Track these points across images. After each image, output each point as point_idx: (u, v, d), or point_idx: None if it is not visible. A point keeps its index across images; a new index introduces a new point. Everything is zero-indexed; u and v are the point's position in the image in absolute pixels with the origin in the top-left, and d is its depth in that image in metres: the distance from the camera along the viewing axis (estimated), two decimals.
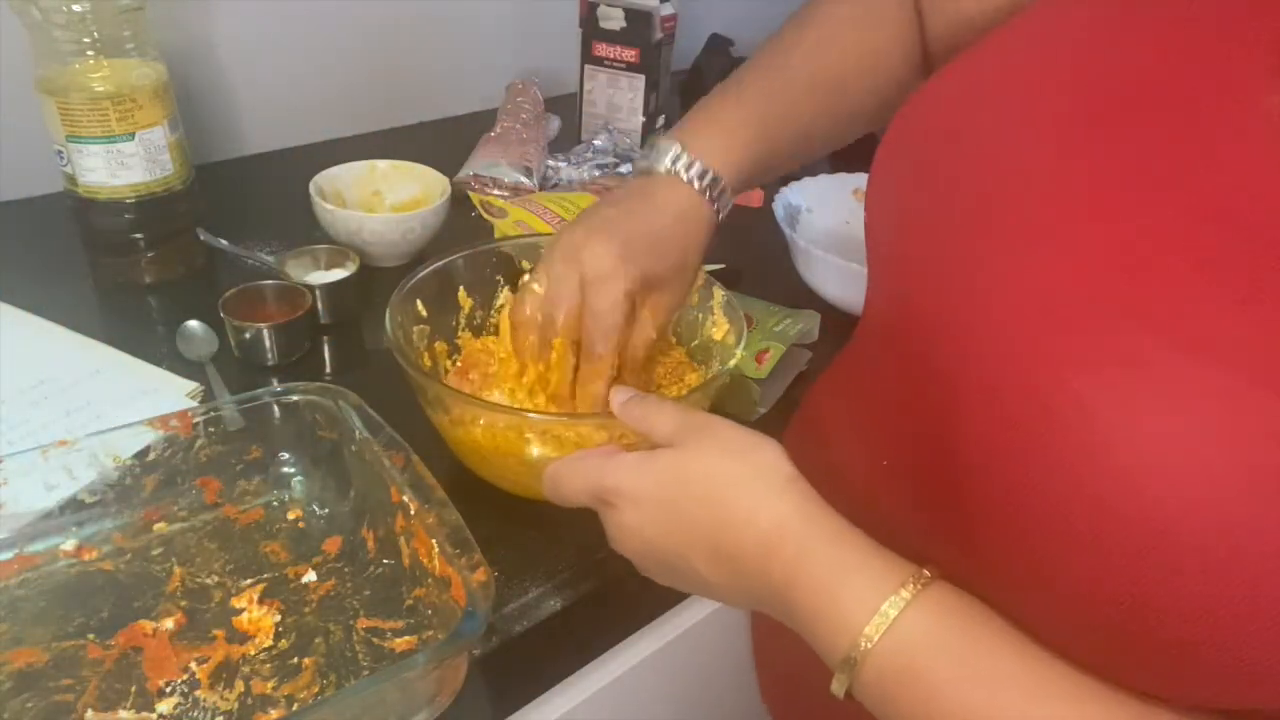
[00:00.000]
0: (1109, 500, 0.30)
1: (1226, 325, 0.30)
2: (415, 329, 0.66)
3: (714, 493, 0.43)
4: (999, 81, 0.42)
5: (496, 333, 0.69)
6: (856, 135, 0.67)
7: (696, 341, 0.69)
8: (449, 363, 0.69)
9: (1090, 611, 0.33)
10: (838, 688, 0.39)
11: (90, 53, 0.72)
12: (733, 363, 0.58)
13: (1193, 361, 0.30)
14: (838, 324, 0.84)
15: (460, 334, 0.70)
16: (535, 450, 0.56)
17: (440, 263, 0.67)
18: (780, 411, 0.74)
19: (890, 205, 0.47)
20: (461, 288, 0.69)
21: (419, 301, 0.65)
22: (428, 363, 0.67)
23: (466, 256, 0.69)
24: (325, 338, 0.78)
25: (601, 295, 0.53)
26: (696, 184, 0.56)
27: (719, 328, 0.67)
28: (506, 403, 0.61)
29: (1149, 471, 0.30)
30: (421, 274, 0.66)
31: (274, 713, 0.47)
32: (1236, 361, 0.29)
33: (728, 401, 0.72)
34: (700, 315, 0.68)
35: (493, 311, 0.72)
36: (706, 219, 0.57)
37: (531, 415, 0.56)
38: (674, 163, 0.57)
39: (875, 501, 0.46)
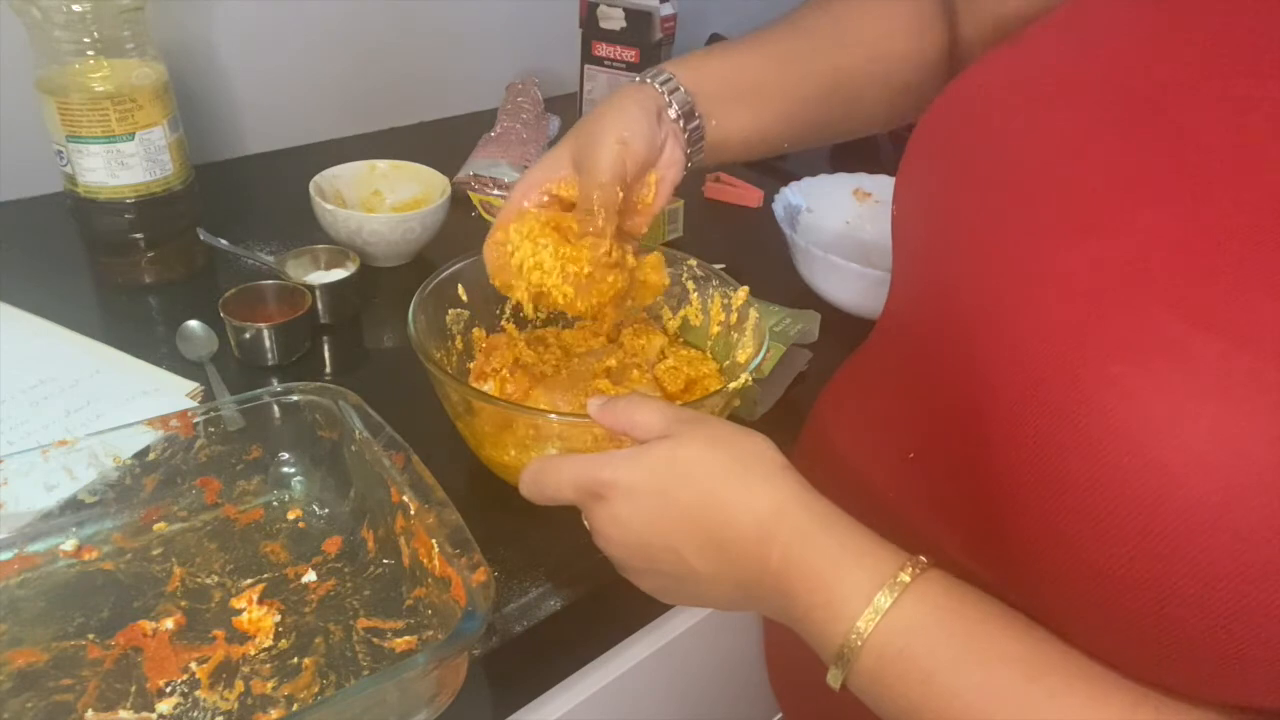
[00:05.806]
0: (1151, 494, 0.30)
1: (1272, 316, 0.29)
2: (450, 313, 0.67)
3: (710, 480, 0.43)
4: (1037, 74, 0.42)
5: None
6: (861, 129, 0.66)
7: (728, 362, 0.69)
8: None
9: (1122, 609, 0.33)
10: (833, 680, 0.40)
11: (90, 53, 0.72)
12: (734, 385, 0.58)
13: (1238, 353, 0.29)
14: (838, 324, 0.84)
15: (504, 323, 0.71)
16: (532, 445, 0.56)
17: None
18: (780, 411, 0.74)
19: (924, 197, 0.47)
20: None
21: (460, 286, 0.66)
22: (459, 347, 0.67)
23: None
24: (325, 338, 0.78)
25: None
26: (649, 79, 0.58)
27: (745, 351, 0.66)
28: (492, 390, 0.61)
29: (1193, 466, 0.29)
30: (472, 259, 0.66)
31: (274, 713, 0.47)
32: None
33: None
34: (735, 336, 0.68)
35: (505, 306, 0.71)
36: (649, 95, 0.57)
37: (553, 416, 0.55)
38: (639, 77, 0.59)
39: (893, 499, 0.46)
